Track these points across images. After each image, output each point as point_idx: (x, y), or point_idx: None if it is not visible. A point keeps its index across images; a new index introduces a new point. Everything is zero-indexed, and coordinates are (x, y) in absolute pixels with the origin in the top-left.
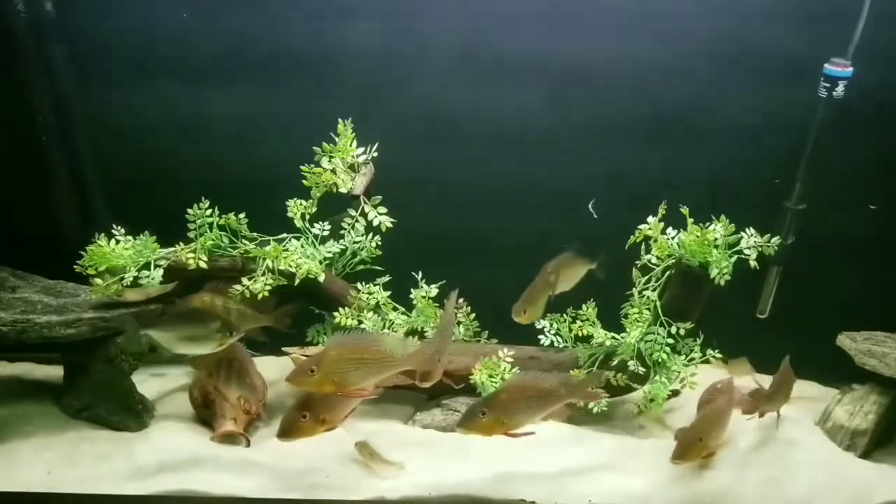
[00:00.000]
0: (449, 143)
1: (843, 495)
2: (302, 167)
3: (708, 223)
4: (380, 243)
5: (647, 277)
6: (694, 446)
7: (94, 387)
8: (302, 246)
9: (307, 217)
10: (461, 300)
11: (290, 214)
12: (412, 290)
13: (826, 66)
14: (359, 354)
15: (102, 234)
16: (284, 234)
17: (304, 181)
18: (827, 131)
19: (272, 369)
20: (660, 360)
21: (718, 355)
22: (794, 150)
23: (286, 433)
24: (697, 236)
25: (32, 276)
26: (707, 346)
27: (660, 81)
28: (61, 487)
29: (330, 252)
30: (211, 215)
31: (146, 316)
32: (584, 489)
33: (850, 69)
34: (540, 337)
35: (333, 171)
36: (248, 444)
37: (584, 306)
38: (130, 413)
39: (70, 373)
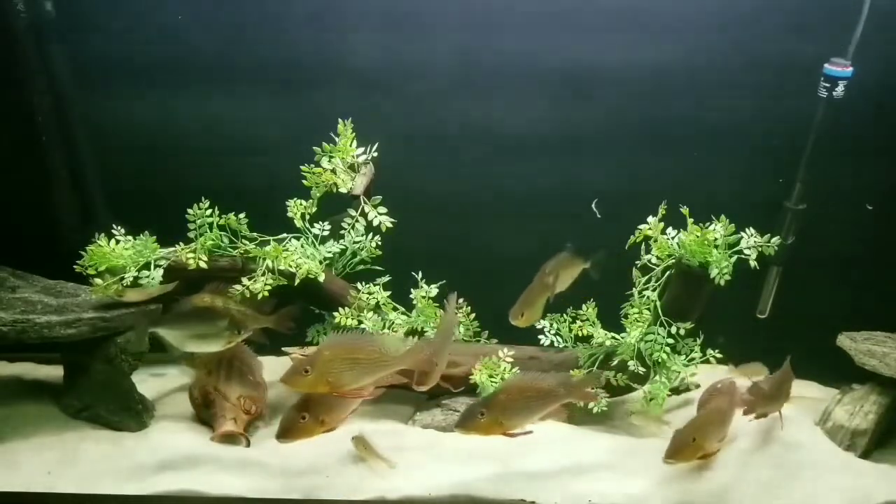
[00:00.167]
0: (449, 144)
1: (842, 495)
2: (302, 167)
3: (708, 223)
4: (380, 243)
5: (647, 277)
6: (687, 446)
7: (94, 387)
8: (302, 246)
9: (307, 217)
10: (461, 300)
11: (290, 214)
12: (412, 290)
13: (826, 66)
14: (353, 354)
15: (102, 234)
16: (284, 234)
17: (303, 181)
18: (827, 131)
19: (272, 369)
20: (660, 360)
21: (719, 355)
22: (793, 150)
23: (285, 434)
24: (697, 236)
25: (32, 276)
26: (713, 345)
27: (659, 83)
28: (61, 487)
29: (330, 252)
30: (211, 215)
31: (155, 314)
32: (583, 489)
33: (850, 69)
34: (540, 337)
35: (333, 171)
36: (248, 444)
37: (584, 306)
38: (130, 413)
39: (70, 373)
